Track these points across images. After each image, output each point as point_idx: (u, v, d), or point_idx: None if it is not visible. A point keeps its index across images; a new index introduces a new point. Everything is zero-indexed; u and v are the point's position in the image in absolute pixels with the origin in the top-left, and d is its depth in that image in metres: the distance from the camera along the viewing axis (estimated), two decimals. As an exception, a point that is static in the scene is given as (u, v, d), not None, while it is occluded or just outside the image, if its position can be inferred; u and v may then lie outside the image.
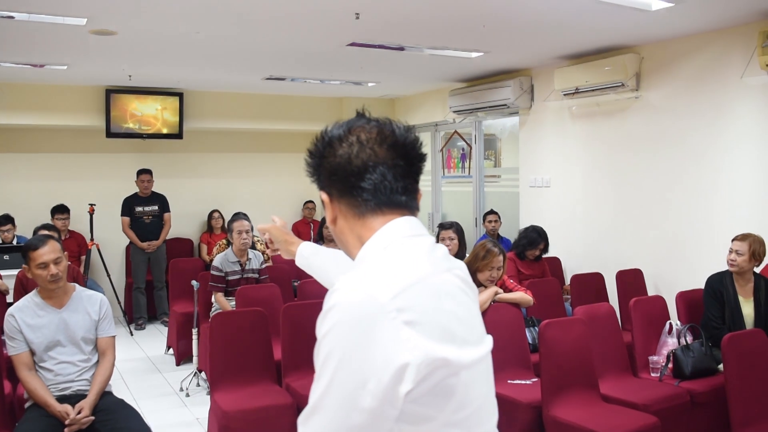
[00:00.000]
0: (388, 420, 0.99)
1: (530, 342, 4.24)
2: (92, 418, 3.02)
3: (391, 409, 0.98)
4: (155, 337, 6.79)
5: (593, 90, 5.62)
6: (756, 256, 4.08)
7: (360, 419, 0.98)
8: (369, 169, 1.14)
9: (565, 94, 5.91)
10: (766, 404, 3.43)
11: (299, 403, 3.71)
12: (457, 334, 1.05)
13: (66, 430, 2.96)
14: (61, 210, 7.03)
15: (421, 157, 1.19)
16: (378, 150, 1.15)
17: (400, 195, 1.15)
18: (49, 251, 3.10)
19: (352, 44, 5.12)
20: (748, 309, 4.13)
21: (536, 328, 4.38)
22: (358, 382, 0.97)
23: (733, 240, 4.18)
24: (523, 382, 3.82)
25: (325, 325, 1.01)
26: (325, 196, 1.21)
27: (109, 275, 6.98)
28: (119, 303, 7.12)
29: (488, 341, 1.15)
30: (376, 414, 0.98)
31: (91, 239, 6.94)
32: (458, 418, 1.04)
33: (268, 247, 1.91)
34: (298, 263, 1.83)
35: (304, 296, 5.00)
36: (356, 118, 1.21)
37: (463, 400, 1.04)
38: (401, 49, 5.31)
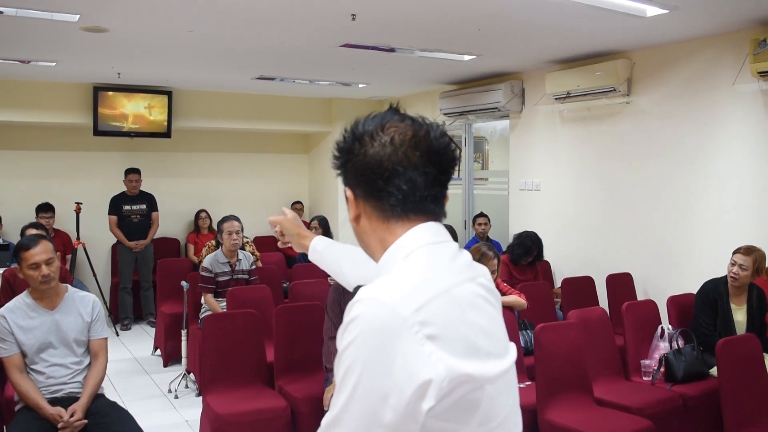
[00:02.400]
0: None
1: (522, 345, 4.26)
2: (85, 421, 2.97)
3: (413, 425, 0.96)
4: (141, 338, 6.71)
5: (584, 94, 5.66)
6: (759, 271, 4.07)
7: None
8: (399, 175, 1.09)
9: (556, 98, 5.94)
10: (758, 408, 3.46)
11: (293, 405, 3.69)
12: (481, 348, 1.02)
13: (58, 433, 2.91)
14: (45, 208, 6.92)
15: (454, 164, 1.15)
16: (411, 155, 1.09)
17: (429, 203, 1.11)
18: (41, 251, 3.05)
19: (346, 45, 5.11)
20: (740, 316, 4.16)
21: (528, 331, 4.40)
22: (380, 397, 0.95)
23: (735, 252, 4.14)
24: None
25: (346, 338, 0.99)
26: (349, 193, 1.16)
27: (95, 275, 6.91)
28: (105, 303, 7.03)
29: (512, 351, 1.13)
30: (398, 430, 0.96)
31: (78, 238, 6.85)
32: None
33: (278, 240, 1.88)
34: (311, 258, 1.79)
35: (295, 298, 4.98)
36: (390, 112, 1.15)
37: (488, 413, 1.02)
38: (392, 50, 5.30)
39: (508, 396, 1.08)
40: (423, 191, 1.10)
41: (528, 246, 5.52)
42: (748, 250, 4.09)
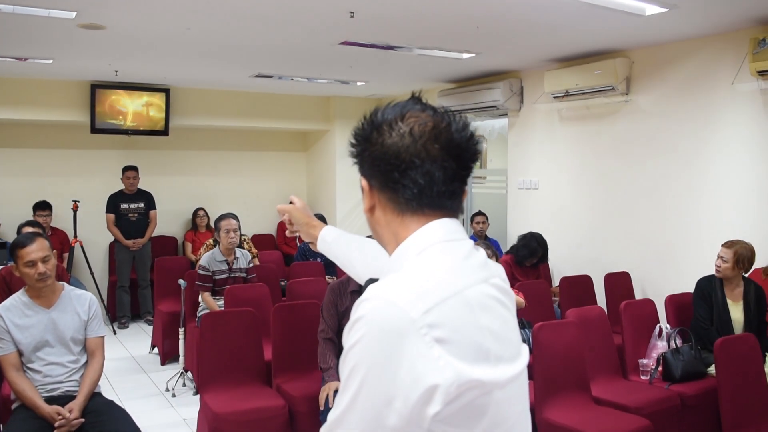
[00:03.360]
0: None
1: (520, 344, 4.24)
2: (82, 419, 2.96)
3: (417, 429, 0.94)
4: (139, 336, 6.70)
5: (583, 93, 5.65)
6: (741, 264, 4.11)
7: None
8: (416, 168, 1.05)
9: (554, 97, 5.93)
10: (756, 407, 3.46)
11: (290, 404, 3.68)
12: (491, 352, 0.99)
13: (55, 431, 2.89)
14: (42, 206, 6.91)
15: (475, 159, 1.10)
16: (430, 148, 1.05)
17: (446, 199, 1.08)
18: (38, 249, 3.04)
19: (345, 43, 5.09)
20: (737, 313, 4.16)
21: (526, 330, 4.39)
22: (384, 400, 0.93)
23: (722, 246, 4.21)
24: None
25: (352, 336, 0.96)
26: (364, 183, 1.13)
27: (92, 273, 6.89)
28: (102, 301, 7.02)
29: (525, 354, 1.09)
30: None
31: (75, 236, 6.83)
32: None
33: (287, 228, 1.84)
34: (320, 248, 1.74)
35: (293, 296, 4.97)
36: (411, 101, 1.11)
37: (495, 418, 0.99)
38: (391, 48, 5.29)
39: (518, 401, 1.06)
40: (440, 186, 1.06)
41: (533, 248, 5.51)
42: (731, 243, 4.16)
